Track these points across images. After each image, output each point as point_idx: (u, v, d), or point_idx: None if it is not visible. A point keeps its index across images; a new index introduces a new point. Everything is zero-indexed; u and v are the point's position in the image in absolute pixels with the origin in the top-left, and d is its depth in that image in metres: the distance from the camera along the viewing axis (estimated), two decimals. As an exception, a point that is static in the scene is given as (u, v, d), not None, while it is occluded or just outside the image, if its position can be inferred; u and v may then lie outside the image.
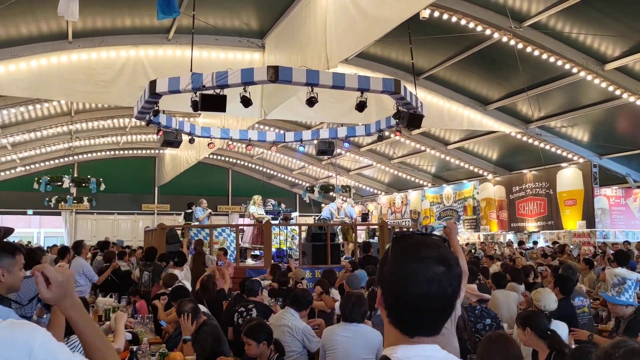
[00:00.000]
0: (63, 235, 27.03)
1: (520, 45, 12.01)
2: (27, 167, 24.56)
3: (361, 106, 8.71)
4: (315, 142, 13.53)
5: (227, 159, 28.52)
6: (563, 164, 18.17)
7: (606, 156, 17.34)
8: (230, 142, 13.67)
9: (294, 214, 15.68)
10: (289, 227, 13.91)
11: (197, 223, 14.66)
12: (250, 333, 4.34)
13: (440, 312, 1.43)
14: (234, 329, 5.86)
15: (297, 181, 30.25)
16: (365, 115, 10.45)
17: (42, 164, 24.81)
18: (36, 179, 20.71)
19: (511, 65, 13.08)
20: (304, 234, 13.13)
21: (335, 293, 7.65)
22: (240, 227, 14.09)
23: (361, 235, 17.27)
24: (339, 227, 14.78)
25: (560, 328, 4.95)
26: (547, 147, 17.26)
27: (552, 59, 12.36)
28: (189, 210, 15.61)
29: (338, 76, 8.24)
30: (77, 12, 6.59)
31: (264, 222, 13.13)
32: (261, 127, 18.68)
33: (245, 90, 8.18)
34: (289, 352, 5.10)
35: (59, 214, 26.64)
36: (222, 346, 4.90)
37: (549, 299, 5.13)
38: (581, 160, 17.60)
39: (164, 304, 6.28)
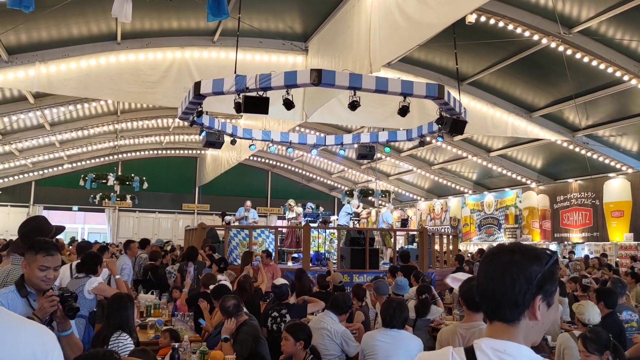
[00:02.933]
0: (106, 231, 27.71)
1: (569, 52, 11.72)
2: (74, 165, 25.28)
3: (404, 111, 8.64)
4: (356, 146, 13.50)
5: (266, 160, 28.72)
6: (611, 174, 17.64)
7: (657, 167, 16.77)
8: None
9: (333, 218, 15.65)
10: (327, 231, 13.90)
11: (236, 223, 14.80)
12: (291, 329, 4.36)
13: (501, 297, 1.54)
14: (267, 332, 5.87)
15: (336, 185, 30.24)
16: (407, 120, 10.37)
17: (88, 162, 25.50)
18: (82, 176, 21.32)
19: (559, 71, 12.78)
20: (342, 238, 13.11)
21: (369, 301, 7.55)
22: (279, 228, 14.14)
23: (399, 241, 17.13)
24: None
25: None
26: (595, 156, 16.78)
27: (602, 66, 12.02)
28: (229, 218, 15.66)
29: (381, 80, 8.18)
30: (131, 14, 6.74)
31: (302, 223, 13.19)
32: (302, 129, 18.75)
33: (288, 93, 8.22)
34: (327, 356, 5.07)
35: (102, 210, 27.34)
36: (261, 346, 4.91)
37: (592, 312, 4.97)
38: (630, 170, 17.04)
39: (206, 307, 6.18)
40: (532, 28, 11.32)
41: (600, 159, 16.89)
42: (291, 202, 15.38)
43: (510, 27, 11.26)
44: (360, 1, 10.11)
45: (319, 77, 7.68)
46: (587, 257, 14.54)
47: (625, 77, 12.27)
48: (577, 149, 16.71)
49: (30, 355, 1.51)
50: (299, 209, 15.05)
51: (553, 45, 11.61)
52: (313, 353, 4.48)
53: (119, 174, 24.45)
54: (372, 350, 4.56)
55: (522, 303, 1.53)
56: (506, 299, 1.54)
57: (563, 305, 7.21)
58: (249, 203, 15.07)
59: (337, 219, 15.53)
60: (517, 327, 1.54)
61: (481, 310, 1.68)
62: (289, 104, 8.32)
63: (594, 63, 11.96)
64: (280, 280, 6.57)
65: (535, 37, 11.54)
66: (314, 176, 29.78)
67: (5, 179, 24.97)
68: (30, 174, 25.40)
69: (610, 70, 12.09)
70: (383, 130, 13.43)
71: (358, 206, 15.71)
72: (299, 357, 4.36)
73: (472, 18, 10.66)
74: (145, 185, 22.87)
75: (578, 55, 11.82)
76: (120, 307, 4.22)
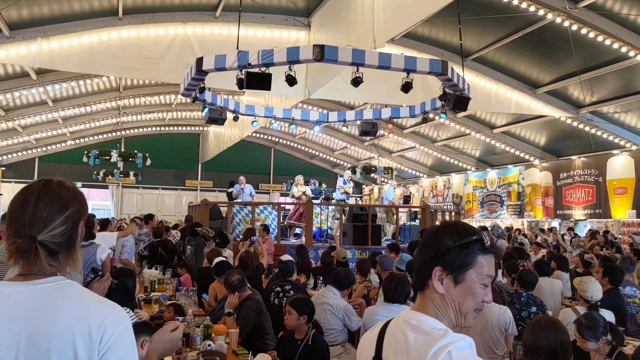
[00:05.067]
0: (110, 208, 27.83)
1: (574, 27, 11.59)
2: (77, 141, 25.29)
3: (407, 87, 8.60)
4: (359, 122, 13.45)
5: (269, 137, 28.68)
6: (614, 151, 17.59)
7: (661, 144, 16.71)
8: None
9: (335, 194, 15.63)
10: (329, 207, 13.93)
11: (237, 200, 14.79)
12: (295, 304, 4.41)
13: (414, 263, 1.67)
14: (269, 306, 5.93)
15: (338, 161, 30.24)
16: (410, 97, 10.30)
17: (91, 138, 25.50)
18: (85, 152, 21.32)
19: (564, 47, 12.66)
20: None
21: (374, 277, 7.62)
22: (282, 204, 14.18)
23: (402, 218, 17.20)
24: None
25: (607, 317, 4.83)
26: (598, 133, 16.71)
27: (607, 42, 11.89)
28: (230, 190, 15.68)
29: (384, 56, 8.13)
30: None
31: (304, 198, 13.20)
32: (304, 106, 18.69)
33: (291, 69, 8.18)
34: (329, 330, 5.13)
35: (106, 187, 27.40)
36: (264, 321, 4.97)
37: (594, 289, 4.98)
38: (634, 147, 16.98)
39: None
40: (537, 3, 11.18)
41: (604, 135, 16.82)
42: (299, 178, 15.18)
43: (516, 1, 11.11)
44: (363, -25, 9.99)
45: (322, 53, 7.63)
46: (593, 234, 14.46)
47: (631, 53, 12.15)
48: (581, 126, 16.64)
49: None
50: (305, 188, 14.89)
51: (558, 20, 11.48)
52: (315, 327, 4.53)
53: (122, 150, 24.45)
54: (373, 325, 4.60)
55: (422, 270, 1.57)
56: (415, 265, 1.62)
57: (563, 280, 7.25)
58: (242, 178, 14.82)
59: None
60: (426, 298, 1.56)
61: None
62: (291, 81, 8.30)
63: (600, 39, 11.83)
64: (287, 257, 6.63)
65: (541, 12, 11.40)
66: (317, 153, 29.76)
67: (9, 155, 25.02)
68: (34, 150, 25.44)
69: (615, 46, 11.97)
70: (386, 106, 13.37)
71: (350, 179, 15.50)
72: (301, 331, 4.41)
73: (476, -8, 10.53)
74: (149, 162, 22.87)
75: (584, 31, 11.69)
76: (121, 280, 4.26)
